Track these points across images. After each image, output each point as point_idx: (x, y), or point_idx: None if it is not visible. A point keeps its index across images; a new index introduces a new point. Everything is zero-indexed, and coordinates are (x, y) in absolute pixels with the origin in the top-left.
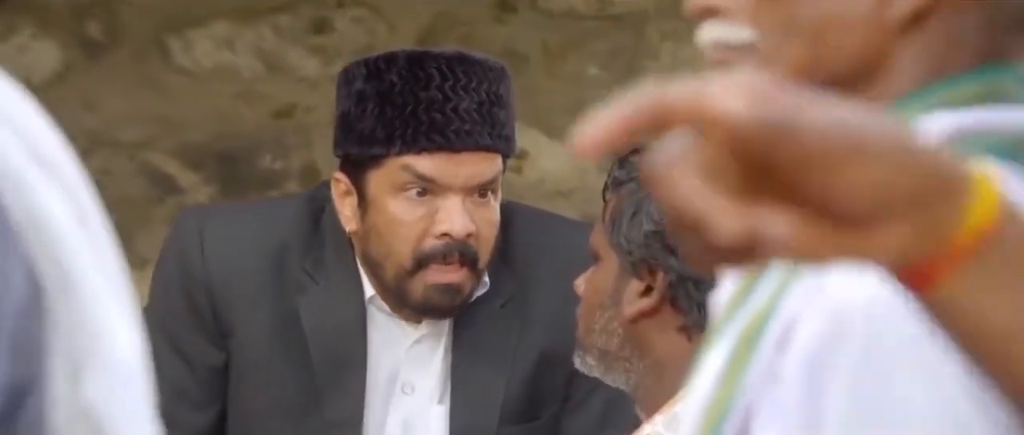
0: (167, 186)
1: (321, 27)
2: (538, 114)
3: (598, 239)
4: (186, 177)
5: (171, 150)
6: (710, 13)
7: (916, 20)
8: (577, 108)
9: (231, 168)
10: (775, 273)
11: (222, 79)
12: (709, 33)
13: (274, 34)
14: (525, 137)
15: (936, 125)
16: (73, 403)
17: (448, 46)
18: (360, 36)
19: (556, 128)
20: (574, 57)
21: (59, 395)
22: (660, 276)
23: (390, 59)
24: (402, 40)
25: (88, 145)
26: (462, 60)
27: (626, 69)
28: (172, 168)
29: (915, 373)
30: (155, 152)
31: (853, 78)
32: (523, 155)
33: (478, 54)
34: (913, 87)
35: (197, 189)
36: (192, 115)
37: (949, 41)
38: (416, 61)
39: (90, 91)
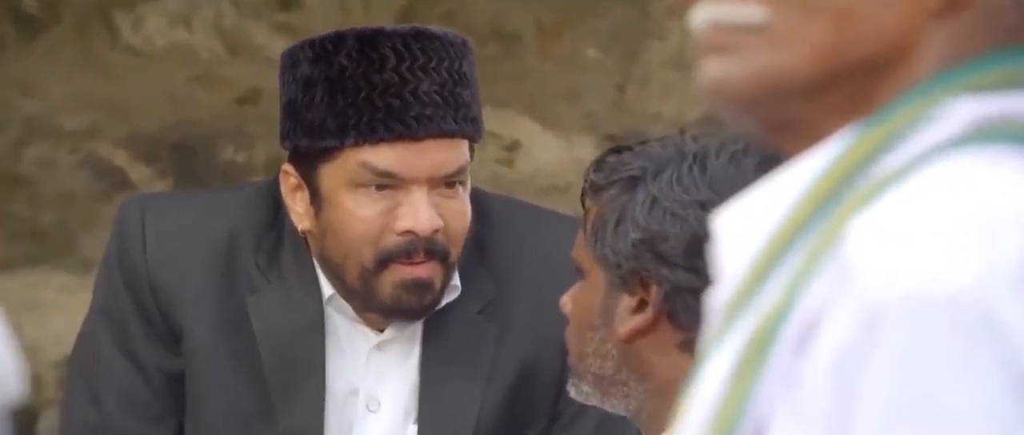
0: (115, 180)
1: (288, 3)
2: (531, 100)
3: (581, 252)
4: (137, 170)
5: (119, 140)
6: None
7: (954, 6)
8: (574, 94)
9: (187, 160)
10: (788, 268)
11: (177, 60)
12: (707, 12)
13: (235, 10)
14: (517, 126)
15: (958, 113)
16: None
17: (425, 24)
18: (332, 13)
19: (551, 116)
20: (570, 37)
21: None
22: (653, 289)
23: (338, 40)
24: (378, 19)
25: (24, 134)
26: (418, 36)
27: (629, 50)
28: (121, 160)
29: (959, 380)
30: (101, 142)
31: (875, 65)
32: (515, 146)
33: (436, 29)
34: (934, 71)
35: (149, 184)
36: (143, 101)
37: (981, 24)
38: (367, 41)
39: (26, 73)
